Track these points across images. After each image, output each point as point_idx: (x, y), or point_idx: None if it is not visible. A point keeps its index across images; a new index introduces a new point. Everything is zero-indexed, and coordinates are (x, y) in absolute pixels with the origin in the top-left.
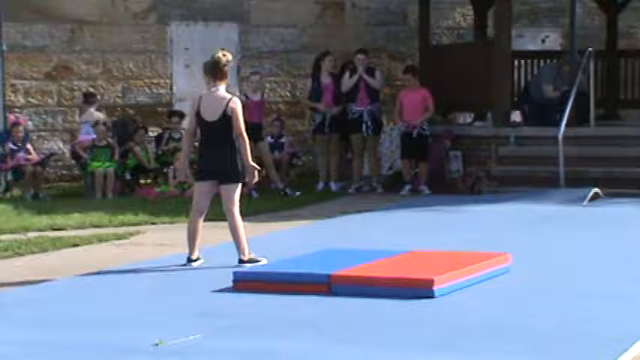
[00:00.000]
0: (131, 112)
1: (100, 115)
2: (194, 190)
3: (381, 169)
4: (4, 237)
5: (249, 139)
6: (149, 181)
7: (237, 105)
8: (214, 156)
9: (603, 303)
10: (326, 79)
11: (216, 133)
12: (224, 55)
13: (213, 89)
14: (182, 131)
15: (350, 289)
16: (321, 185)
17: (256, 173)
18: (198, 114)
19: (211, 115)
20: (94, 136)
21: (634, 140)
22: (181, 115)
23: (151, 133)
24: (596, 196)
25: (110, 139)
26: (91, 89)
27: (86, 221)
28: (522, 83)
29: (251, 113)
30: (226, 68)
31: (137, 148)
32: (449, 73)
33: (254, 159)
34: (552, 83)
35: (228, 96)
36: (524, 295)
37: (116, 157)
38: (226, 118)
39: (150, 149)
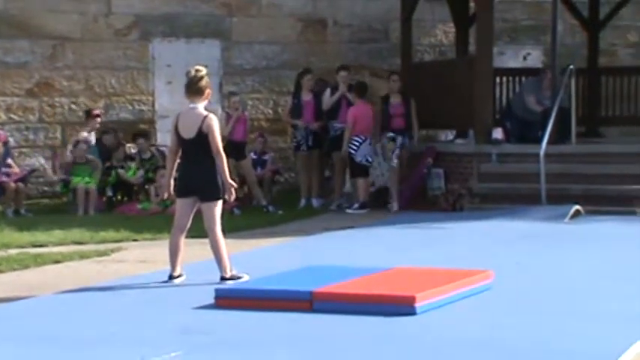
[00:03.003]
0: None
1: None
2: (176, 206)
3: None
4: None
5: (231, 156)
6: (125, 199)
7: (213, 122)
8: (193, 173)
9: (584, 321)
10: (306, 97)
11: (194, 150)
12: (197, 71)
13: (192, 106)
14: (152, 149)
15: (332, 305)
16: (302, 202)
17: (234, 191)
18: (177, 131)
19: (188, 132)
20: None
21: (615, 158)
22: (146, 136)
23: (133, 150)
24: (577, 214)
25: (90, 156)
26: (73, 106)
27: (68, 238)
28: (504, 100)
29: (233, 131)
30: (200, 84)
31: (122, 171)
32: (431, 90)
33: (237, 176)
34: (535, 94)
35: (205, 113)
36: (505, 313)
37: (97, 174)
38: (203, 136)
39: (132, 164)
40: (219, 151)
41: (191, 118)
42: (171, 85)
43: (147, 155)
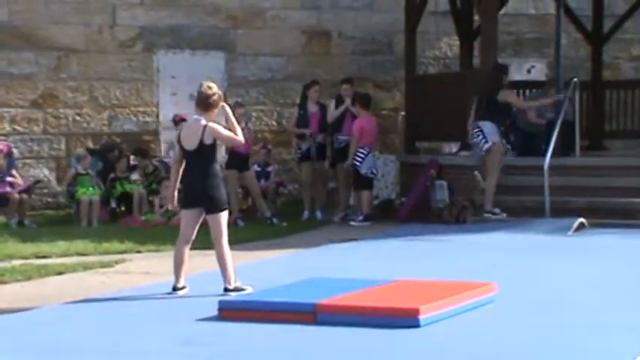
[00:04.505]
0: (117, 140)
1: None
2: (181, 218)
3: None
4: None
5: (235, 168)
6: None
7: (214, 126)
8: (197, 184)
9: (588, 333)
10: (312, 108)
11: (196, 162)
12: (208, 88)
13: (195, 117)
14: (154, 162)
15: (335, 318)
16: (306, 214)
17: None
18: (180, 143)
19: (190, 144)
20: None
21: (619, 171)
22: (144, 153)
23: (135, 162)
24: (581, 226)
25: (89, 170)
26: (77, 117)
27: (71, 249)
28: None
29: None
30: (208, 101)
31: (131, 186)
32: (435, 102)
33: (241, 188)
34: (536, 110)
35: (204, 123)
36: (508, 325)
37: (100, 185)
38: (204, 147)
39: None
40: (235, 139)
41: (192, 129)
42: (176, 96)
43: (149, 169)
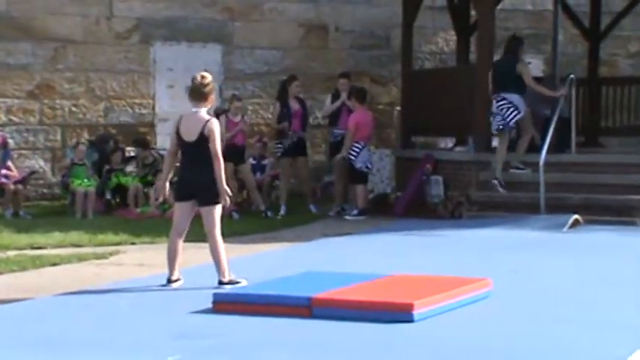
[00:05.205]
0: (113, 131)
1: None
2: (174, 210)
3: None
4: None
5: (231, 160)
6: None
7: (214, 126)
8: (193, 176)
9: (582, 330)
10: (294, 105)
11: (194, 154)
12: (202, 78)
13: (194, 110)
14: (153, 153)
15: (330, 312)
16: (283, 209)
17: (228, 198)
18: (178, 134)
19: (190, 135)
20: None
21: (614, 168)
22: (144, 143)
23: (132, 153)
24: (576, 223)
25: (85, 161)
26: (74, 108)
27: (66, 240)
28: None
29: (233, 135)
30: (205, 90)
31: (126, 179)
32: (431, 97)
33: (236, 181)
34: (530, 107)
35: (207, 117)
36: (503, 321)
37: (93, 175)
38: (204, 139)
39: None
40: (217, 155)
41: (193, 121)
42: (173, 88)
43: (149, 160)
